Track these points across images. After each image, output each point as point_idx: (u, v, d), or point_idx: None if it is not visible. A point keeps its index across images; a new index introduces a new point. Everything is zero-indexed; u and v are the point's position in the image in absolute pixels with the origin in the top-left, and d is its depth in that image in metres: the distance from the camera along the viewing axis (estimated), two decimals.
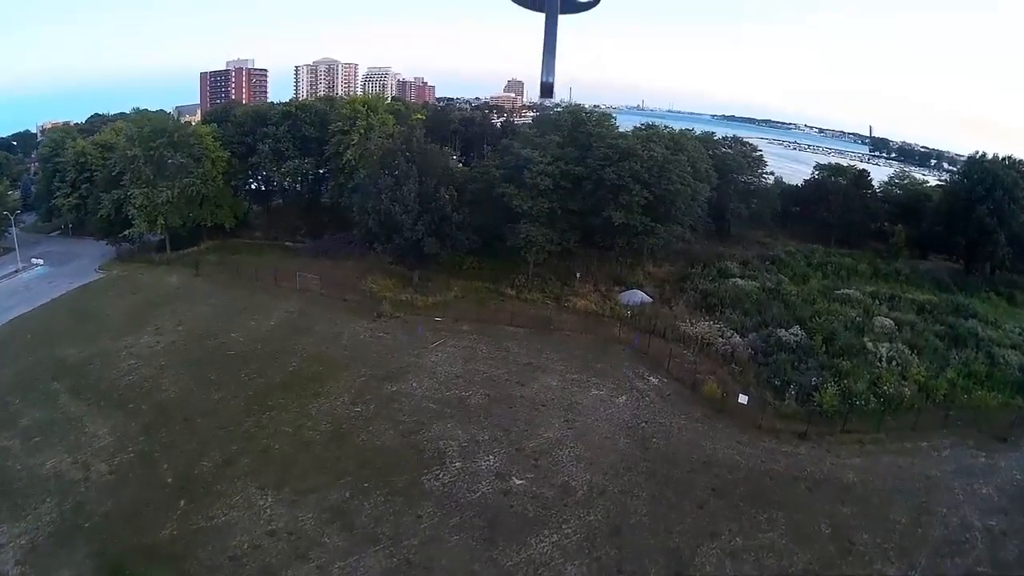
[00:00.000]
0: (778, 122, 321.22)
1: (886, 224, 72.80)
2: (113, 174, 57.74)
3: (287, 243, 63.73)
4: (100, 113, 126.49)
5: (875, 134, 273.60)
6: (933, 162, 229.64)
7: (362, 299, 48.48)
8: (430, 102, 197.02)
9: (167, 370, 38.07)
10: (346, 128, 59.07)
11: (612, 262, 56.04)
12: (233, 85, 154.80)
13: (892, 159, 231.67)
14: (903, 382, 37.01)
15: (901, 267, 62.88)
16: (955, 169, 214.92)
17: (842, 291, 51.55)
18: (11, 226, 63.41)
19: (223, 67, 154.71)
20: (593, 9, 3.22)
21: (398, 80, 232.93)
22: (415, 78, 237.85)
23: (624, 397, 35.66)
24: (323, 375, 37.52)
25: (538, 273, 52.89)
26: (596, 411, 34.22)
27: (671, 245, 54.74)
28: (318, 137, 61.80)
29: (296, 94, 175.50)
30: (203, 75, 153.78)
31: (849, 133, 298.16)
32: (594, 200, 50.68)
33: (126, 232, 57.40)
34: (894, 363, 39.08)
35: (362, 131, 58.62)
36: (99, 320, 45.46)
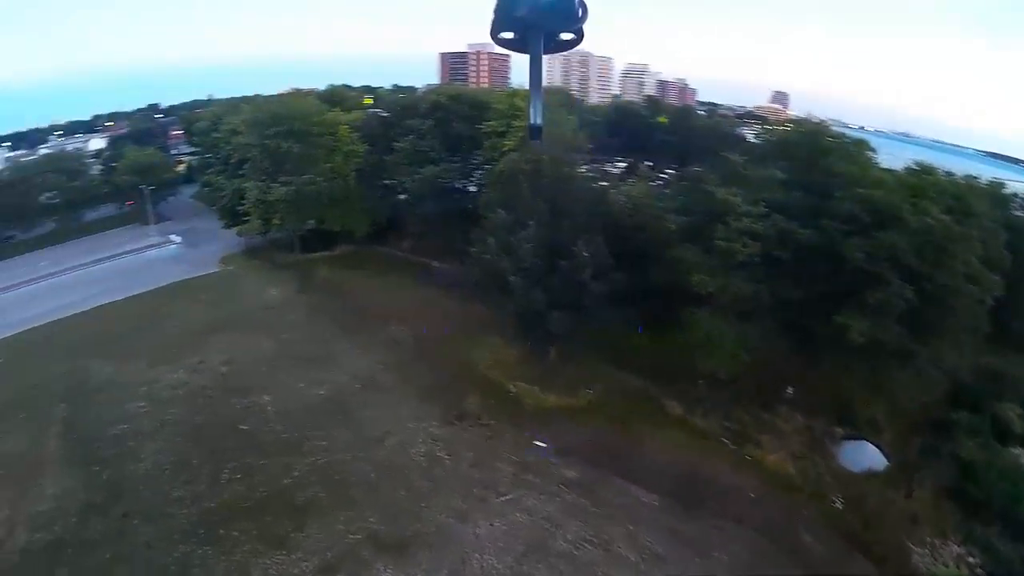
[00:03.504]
0: None
1: None
2: (232, 161, 50.15)
3: (434, 262, 48.73)
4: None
5: None
6: None
7: (457, 374, 32.95)
8: (690, 105, 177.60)
9: (164, 429, 28.66)
10: (501, 129, 43.49)
11: (843, 374, 31.95)
12: (472, 68, 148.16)
13: None
14: None
15: None
16: None
17: None
18: (171, 195, 64.24)
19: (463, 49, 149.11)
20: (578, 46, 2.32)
21: (657, 80, 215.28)
22: (676, 79, 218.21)
23: None
24: (312, 509, 23.85)
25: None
26: None
27: (933, 379, 30.16)
28: (472, 136, 46.84)
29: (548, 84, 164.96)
30: (443, 55, 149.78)
31: None
32: (827, 289, 29.12)
33: (239, 227, 50.12)
34: None
35: (521, 134, 42.61)
36: (159, 333, 38.06)
